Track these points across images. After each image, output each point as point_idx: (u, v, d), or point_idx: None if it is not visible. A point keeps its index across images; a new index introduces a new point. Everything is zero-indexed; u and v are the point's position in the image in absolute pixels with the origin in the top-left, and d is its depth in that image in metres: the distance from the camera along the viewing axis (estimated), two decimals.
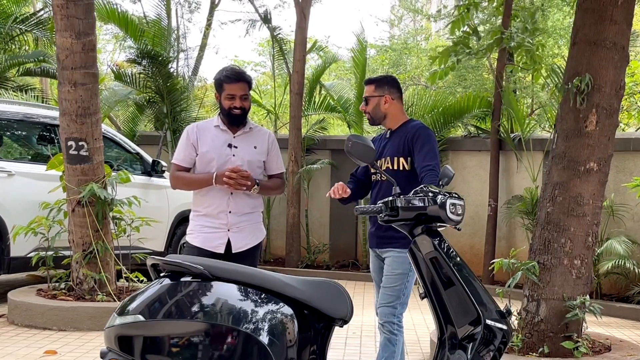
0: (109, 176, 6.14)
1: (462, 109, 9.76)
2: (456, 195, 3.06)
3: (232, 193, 3.91)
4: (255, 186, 3.89)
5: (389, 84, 4.02)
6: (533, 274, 4.69)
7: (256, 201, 4.03)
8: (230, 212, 3.91)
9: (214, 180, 3.86)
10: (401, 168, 3.87)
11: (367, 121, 4.19)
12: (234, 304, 2.63)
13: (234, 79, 3.93)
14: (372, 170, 3.95)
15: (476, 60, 8.86)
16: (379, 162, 3.94)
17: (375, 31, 43.65)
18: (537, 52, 5.44)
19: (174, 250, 8.06)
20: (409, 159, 3.87)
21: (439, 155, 3.88)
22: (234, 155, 3.93)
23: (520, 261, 4.81)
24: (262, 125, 5.16)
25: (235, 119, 3.95)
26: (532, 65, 5.33)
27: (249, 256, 3.92)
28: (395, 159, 3.90)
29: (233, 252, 3.90)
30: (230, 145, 3.95)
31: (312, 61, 15.40)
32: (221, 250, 3.88)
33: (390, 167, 3.89)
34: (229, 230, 3.91)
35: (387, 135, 4.04)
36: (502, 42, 5.40)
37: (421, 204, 2.99)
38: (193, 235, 3.96)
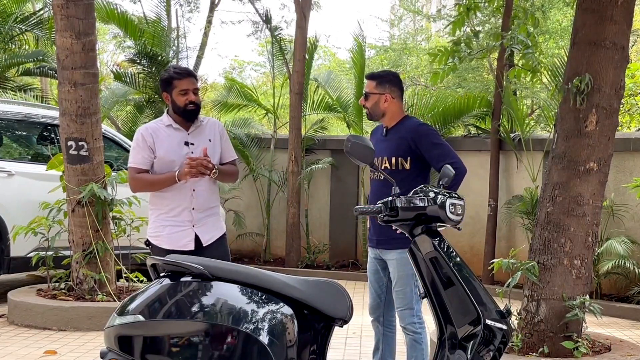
0: (109, 176, 6.14)
1: (462, 109, 9.75)
2: (456, 195, 3.06)
3: (194, 190, 3.91)
4: (215, 170, 3.89)
5: (390, 82, 3.99)
6: (533, 274, 4.69)
7: (216, 196, 4.08)
8: (193, 208, 3.92)
9: (177, 177, 3.84)
10: (400, 168, 3.87)
11: (366, 115, 4.19)
12: (234, 304, 2.63)
13: (183, 74, 3.95)
14: (370, 169, 3.95)
15: (476, 60, 8.85)
16: (376, 160, 3.93)
17: (375, 31, 43.64)
18: (537, 55, 5.44)
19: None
20: (408, 158, 3.86)
21: (446, 144, 3.89)
22: (192, 152, 3.93)
23: (520, 261, 4.81)
24: (262, 125, 5.16)
25: (190, 115, 3.95)
26: (531, 67, 5.33)
27: (219, 246, 3.95)
28: (394, 158, 3.89)
29: (204, 245, 3.92)
30: (187, 143, 3.95)
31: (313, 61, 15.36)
32: (191, 247, 3.90)
33: (389, 167, 3.88)
34: (193, 226, 3.92)
35: (384, 134, 4.03)
36: (502, 43, 5.40)
37: (421, 204, 2.99)
38: (159, 239, 3.93)
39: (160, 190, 3.95)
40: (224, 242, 4.07)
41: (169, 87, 3.94)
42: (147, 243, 4.03)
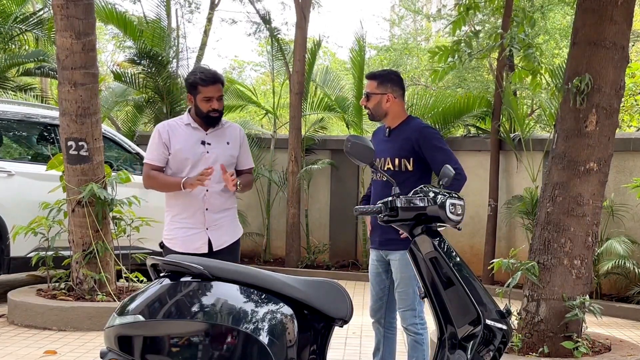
0: (109, 176, 6.14)
1: (462, 109, 9.75)
2: (456, 195, 3.06)
3: (207, 190, 3.88)
4: (238, 183, 3.86)
5: (392, 81, 3.94)
6: (533, 274, 4.69)
7: (231, 198, 4.03)
8: (207, 209, 3.89)
9: (182, 185, 3.80)
10: (403, 169, 3.85)
11: (367, 116, 4.15)
12: (234, 304, 2.63)
13: (209, 80, 3.85)
14: (372, 170, 3.92)
15: (476, 60, 8.86)
16: (378, 161, 3.91)
17: (377, 31, 43.70)
18: (537, 54, 5.44)
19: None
20: (411, 159, 3.84)
21: (449, 149, 3.88)
22: (207, 152, 3.90)
23: (520, 261, 4.81)
24: (261, 126, 5.16)
25: (212, 121, 3.92)
26: (532, 67, 5.32)
27: (229, 253, 3.92)
28: (397, 159, 3.86)
29: (214, 250, 3.89)
30: (203, 142, 3.91)
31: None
32: (204, 250, 3.86)
33: (392, 168, 3.86)
34: (207, 229, 3.89)
35: (387, 134, 4.00)
36: (502, 43, 5.40)
37: (421, 204, 2.99)
38: (173, 242, 3.90)
39: (168, 192, 3.93)
40: (236, 250, 4.02)
41: (194, 91, 3.88)
42: (162, 245, 4.01)
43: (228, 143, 3.96)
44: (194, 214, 3.88)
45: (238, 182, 3.86)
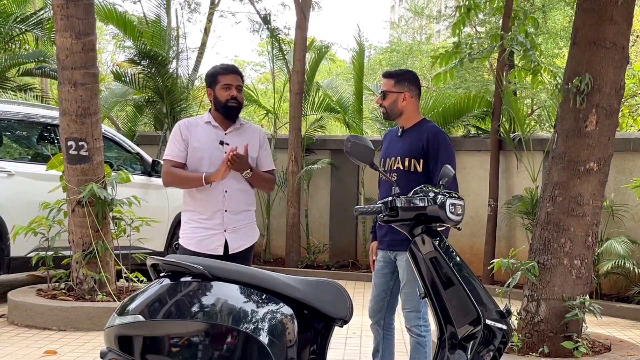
0: (109, 176, 6.14)
1: (462, 109, 9.76)
2: (456, 195, 3.06)
3: (226, 191, 3.85)
4: (248, 170, 3.83)
5: (409, 80, 3.94)
6: (532, 274, 4.69)
7: (250, 198, 3.99)
8: (225, 210, 3.86)
9: (203, 180, 3.78)
10: (412, 169, 3.84)
11: (382, 115, 4.13)
12: (234, 304, 2.63)
13: (229, 70, 3.94)
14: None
15: (476, 60, 8.87)
16: (388, 160, 3.91)
17: (382, 36, 43.76)
18: (537, 54, 5.45)
19: (173, 251, 8.04)
20: (421, 161, 3.83)
21: (455, 163, 3.84)
22: (225, 152, 3.87)
23: (520, 261, 4.81)
24: (262, 126, 5.16)
25: (231, 112, 3.91)
26: (531, 68, 5.33)
27: (244, 257, 3.89)
28: (407, 159, 3.85)
29: (230, 253, 3.87)
30: (222, 142, 3.90)
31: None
32: (220, 252, 3.83)
33: (401, 168, 3.85)
34: (225, 230, 3.86)
35: (399, 134, 3.99)
36: (502, 44, 5.42)
37: (421, 204, 2.99)
38: (189, 241, 3.87)
39: (189, 188, 3.88)
40: (249, 255, 4.00)
41: (213, 83, 3.91)
42: (177, 246, 3.98)
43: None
44: (212, 215, 3.85)
45: (248, 171, 3.82)
